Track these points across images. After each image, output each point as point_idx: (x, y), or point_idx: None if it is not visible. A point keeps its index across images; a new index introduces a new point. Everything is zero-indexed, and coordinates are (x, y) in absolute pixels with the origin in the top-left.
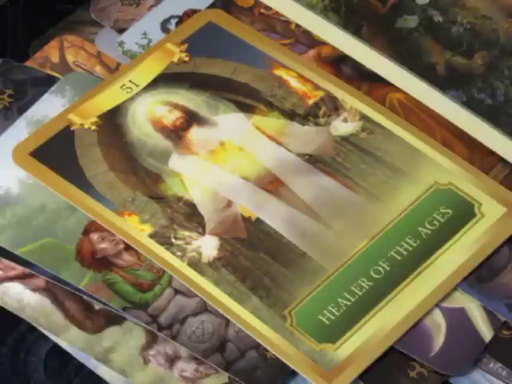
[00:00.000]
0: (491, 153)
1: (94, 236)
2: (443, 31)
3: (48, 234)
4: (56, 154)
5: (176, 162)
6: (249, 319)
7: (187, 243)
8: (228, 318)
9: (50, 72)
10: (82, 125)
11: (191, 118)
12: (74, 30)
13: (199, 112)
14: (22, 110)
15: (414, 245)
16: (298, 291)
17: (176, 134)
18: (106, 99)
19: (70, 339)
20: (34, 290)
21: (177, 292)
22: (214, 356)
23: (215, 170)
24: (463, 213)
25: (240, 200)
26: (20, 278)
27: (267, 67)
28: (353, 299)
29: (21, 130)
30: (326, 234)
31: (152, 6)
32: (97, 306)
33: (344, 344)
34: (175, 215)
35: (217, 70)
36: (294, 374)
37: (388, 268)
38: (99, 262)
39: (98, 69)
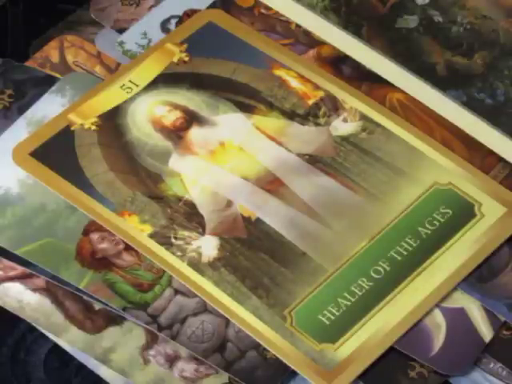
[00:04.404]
0: (491, 153)
1: (94, 236)
2: (443, 31)
3: (48, 233)
4: (56, 153)
5: (176, 162)
6: (249, 319)
7: (187, 243)
8: (228, 318)
9: (50, 72)
10: (81, 125)
11: (191, 118)
12: (74, 29)
13: (199, 112)
14: (22, 110)
15: (414, 245)
16: (298, 291)
17: (176, 134)
18: (106, 99)
19: (70, 339)
20: (34, 290)
21: (177, 292)
22: (214, 356)
23: (215, 170)
24: (463, 213)
25: (240, 200)
26: (20, 277)
27: (267, 67)
28: (353, 299)
29: (21, 130)
30: (326, 234)
31: (152, 6)
32: (97, 306)
33: (344, 344)
34: (175, 215)
35: (217, 69)
36: (293, 374)
37: (388, 268)
38: (99, 262)
39: (98, 69)
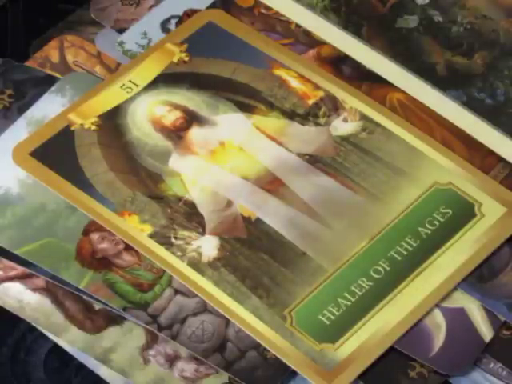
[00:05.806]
0: (491, 153)
1: (94, 236)
2: (443, 31)
3: (48, 233)
4: (56, 153)
5: (176, 162)
6: (249, 319)
7: (187, 243)
8: (228, 318)
9: (50, 72)
10: (81, 125)
11: (191, 118)
12: (74, 29)
13: (199, 112)
14: (22, 110)
15: (414, 245)
16: (298, 291)
17: (176, 133)
18: (106, 99)
19: (70, 339)
20: (34, 289)
21: (177, 292)
22: (214, 356)
23: (215, 170)
24: (463, 213)
25: (240, 200)
26: (20, 277)
27: (267, 67)
28: (353, 299)
29: (21, 130)
30: (326, 234)
31: (152, 6)
32: (97, 306)
33: (344, 344)
34: (175, 215)
35: (217, 69)
36: (294, 374)
37: (388, 268)
38: (99, 262)
39: (98, 69)
